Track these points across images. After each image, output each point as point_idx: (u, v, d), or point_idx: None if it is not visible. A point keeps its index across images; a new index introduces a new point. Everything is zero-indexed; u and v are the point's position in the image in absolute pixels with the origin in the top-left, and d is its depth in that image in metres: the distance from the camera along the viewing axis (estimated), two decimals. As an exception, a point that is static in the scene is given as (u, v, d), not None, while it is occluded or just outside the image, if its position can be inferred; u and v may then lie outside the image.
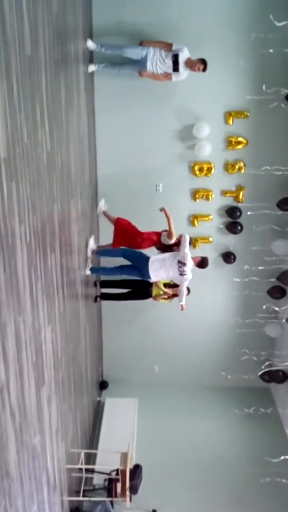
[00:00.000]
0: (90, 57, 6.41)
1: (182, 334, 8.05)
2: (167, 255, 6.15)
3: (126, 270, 6.44)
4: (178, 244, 6.15)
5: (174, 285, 6.63)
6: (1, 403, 2.84)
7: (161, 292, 6.66)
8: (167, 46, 6.01)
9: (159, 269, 6.07)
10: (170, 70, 6.04)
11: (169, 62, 5.98)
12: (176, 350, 8.14)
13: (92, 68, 6.27)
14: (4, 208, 2.84)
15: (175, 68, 5.98)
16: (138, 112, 6.94)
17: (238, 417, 7.39)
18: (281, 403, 7.73)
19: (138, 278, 6.47)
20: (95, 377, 7.60)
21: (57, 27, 4.28)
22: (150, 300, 6.99)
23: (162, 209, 6.13)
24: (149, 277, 6.15)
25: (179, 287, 6.11)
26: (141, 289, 6.88)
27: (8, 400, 2.98)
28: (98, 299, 7.16)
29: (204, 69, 5.97)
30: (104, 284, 7.18)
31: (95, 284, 6.96)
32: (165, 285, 6.68)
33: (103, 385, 8.16)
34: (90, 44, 6.11)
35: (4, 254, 2.84)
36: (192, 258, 6.02)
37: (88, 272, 6.24)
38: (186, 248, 5.95)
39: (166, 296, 6.69)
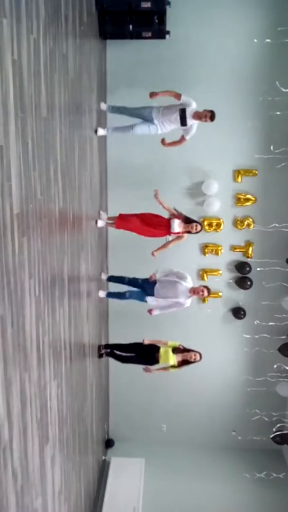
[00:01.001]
0: (104, 118, 6.67)
1: (191, 391, 7.85)
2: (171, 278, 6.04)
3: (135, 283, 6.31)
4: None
5: (184, 350, 6.02)
6: (3, 464, 2.75)
7: (171, 361, 5.99)
8: (176, 96, 5.77)
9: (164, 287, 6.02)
10: (178, 125, 5.79)
11: (176, 118, 5.73)
12: (185, 408, 7.91)
13: (101, 132, 6.03)
14: (15, 263, 2.87)
15: (183, 122, 5.72)
16: (148, 170, 7.13)
17: (249, 481, 7.06)
18: (294, 466, 7.40)
19: (145, 344, 6.23)
20: (101, 434, 7.37)
21: (73, 91, 4.49)
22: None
23: (156, 195, 5.97)
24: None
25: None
26: (146, 354, 6.26)
27: (10, 460, 2.88)
28: (104, 355, 6.86)
29: (212, 118, 5.68)
30: (109, 347, 6.87)
31: (99, 349, 6.61)
32: (174, 350, 6.03)
33: (109, 443, 7.91)
34: (103, 106, 6.23)
35: (13, 309, 2.85)
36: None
37: (102, 295, 6.48)
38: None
39: (175, 364, 6.01)
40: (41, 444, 3.60)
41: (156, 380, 7.81)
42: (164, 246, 6.09)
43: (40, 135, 3.34)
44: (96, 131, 5.93)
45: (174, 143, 5.98)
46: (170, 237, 6.13)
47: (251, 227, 7.23)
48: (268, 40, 6.64)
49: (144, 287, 6.12)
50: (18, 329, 2.95)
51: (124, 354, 6.53)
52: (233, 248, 7.38)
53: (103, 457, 7.56)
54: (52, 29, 3.68)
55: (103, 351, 6.71)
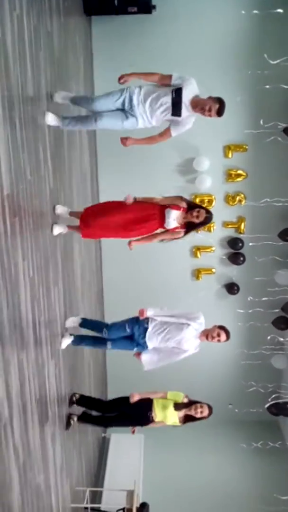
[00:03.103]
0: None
1: (187, 367, 7.93)
2: None
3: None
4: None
5: (188, 403, 4.60)
6: (4, 441, 2.81)
7: (170, 421, 4.58)
8: (163, 80, 3.90)
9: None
10: (168, 116, 3.91)
11: (167, 103, 3.85)
12: (181, 383, 8.00)
13: (51, 119, 3.89)
14: (8, 244, 2.88)
15: (176, 110, 3.86)
16: (139, 148, 7.08)
17: (246, 451, 7.23)
18: (290, 436, 7.58)
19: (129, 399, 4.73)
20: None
21: (59, 69, 4.44)
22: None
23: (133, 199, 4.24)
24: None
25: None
26: (136, 412, 4.68)
27: (11, 437, 2.94)
28: (74, 421, 4.82)
29: (220, 112, 3.88)
30: (83, 403, 5.02)
31: (70, 401, 4.82)
32: (177, 405, 4.57)
33: (108, 420, 8.02)
34: (60, 96, 4.14)
35: (8, 290, 2.87)
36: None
37: (64, 344, 4.44)
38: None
39: (177, 423, 4.60)
40: (41, 422, 3.67)
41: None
42: (149, 238, 4.27)
43: (27, 115, 3.31)
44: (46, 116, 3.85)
45: (146, 140, 4.18)
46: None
47: (243, 202, 7.25)
48: (256, 12, 6.55)
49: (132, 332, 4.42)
50: (13, 309, 2.98)
51: (103, 414, 4.97)
52: (225, 224, 7.40)
53: (103, 434, 7.69)
54: (36, 6, 3.62)
55: (74, 418, 4.79)
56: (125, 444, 7.34)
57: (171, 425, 4.58)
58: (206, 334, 4.35)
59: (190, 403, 4.55)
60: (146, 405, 4.61)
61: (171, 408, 4.50)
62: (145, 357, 4.45)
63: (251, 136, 6.96)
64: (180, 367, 7.90)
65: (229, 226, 7.39)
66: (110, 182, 7.13)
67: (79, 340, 4.62)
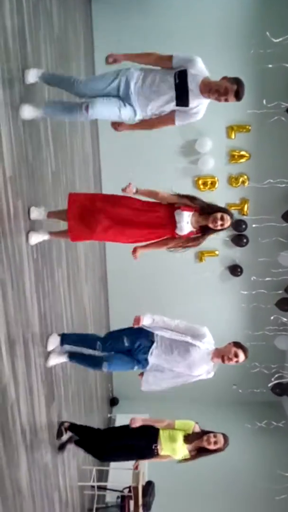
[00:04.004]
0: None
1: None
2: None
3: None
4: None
5: (202, 433, 3.89)
6: (11, 420, 2.85)
7: (178, 455, 3.87)
8: (162, 62, 3.15)
9: None
10: (171, 105, 3.14)
11: (170, 90, 3.08)
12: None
13: (27, 112, 3.11)
14: (11, 227, 2.89)
15: (181, 99, 3.10)
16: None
17: (250, 431, 7.31)
18: (293, 416, 7.66)
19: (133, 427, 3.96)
20: (105, 393, 7.57)
21: (60, 48, 4.39)
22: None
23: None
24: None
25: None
26: (137, 443, 3.95)
27: (18, 417, 2.99)
28: (67, 447, 4.21)
29: (238, 95, 3.08)
30: (75, 430, 4.24)
31: (58, 431, 4.04)
32: (187, 437, 3.85)
33: (113, 401, 8.13)
34: (32, 75, 3.23)
35: (12, 272, 2.88)
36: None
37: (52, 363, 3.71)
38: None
39: (187, 456, 3.90)
40: (48, 403, 3.72)
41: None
42: (157, 244, 3.52)
43: (28, 96, 3.29)
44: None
45: (142, 125, 3.38)
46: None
47: (246, 184, 7.22)
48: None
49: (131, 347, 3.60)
50: (18, 291, 3.00)
51: (99, 445, 4.13)
52: (229, 206, 7.36)
53: (109, 415, 7.79)
54: (34, -15, 3.57)
55: (64, 439, 4.15)
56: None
57: (179, 459, 3.89)
58: (222, 356, 3.51)
59: (202, 433, 3.85)
60: (151, 435, 3.89)
61: (180, 440, 3.80)
62: (147, 377, 3.64)
63: (254, 116, 6.90)
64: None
65: (232, 207, 7.36)
66: (112, 164, 7.10)
67: (73, 356, 3.80)
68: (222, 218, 3.29)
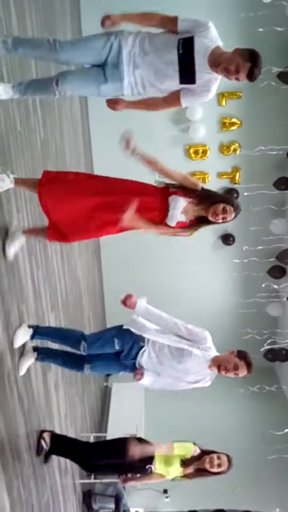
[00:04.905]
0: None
1: (185, 317, 8.11)
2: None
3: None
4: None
5: (202, 453, 3.51)
6: (9, 389, 2.89)
7: (172, 475, 3.53)
8: (166, 24, 2.60)
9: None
10: (175, 84, 2.63)
11: (172, 63, 2.54)
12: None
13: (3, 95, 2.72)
14: (1, 197, 2.86)
15: (186, 75, 2.58)
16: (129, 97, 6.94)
17: (244, 396, 7.47)
18: (285, 380, 7.82)
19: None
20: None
21: (45, 17, 4.27)
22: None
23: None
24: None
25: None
26: (129, 462, 3.58)
27: (15, 385, 3.03)
28: (47, 443, 3.58)
29: (252, 76, 2.57)
30: (59, 445, 3.68)
31: (38, 447, 3.45)
32: (185, 462, 3.48)
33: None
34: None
35: (4, 243, 2.88)
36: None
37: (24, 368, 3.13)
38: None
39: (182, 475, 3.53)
40: (44, 371, 3.77)
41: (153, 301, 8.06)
42: (141, 218, 2.75)
43: (14, 64, 3.22)
44: None
45: (145, 104, 2.86)
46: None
47: (238, 152, 7.17)
48: None
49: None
50: (11, 263, 3.00)
51: (87, 461, 3.73)
52: (220, 175, 7.35)
53: (105, 384, 7.92)
54: None
55: (43, 446, 3.52)
56: (127, 392, 7.56)
57: (174, 479, 3.57)
58: (219, 365, 3.07)
59: (203, 454, 3.48)
60: (146, 456, 3.54)
61: (177, 465, 3.46)
62: (147, 380, 3.18)
63: (245, 82, 6.77)
64: (179, 317, 8.07)
65: (224, 176, 7.34)
66: (101, 131, 6.98)
67: (46, 355, 3.35)
68: (224, 210, 2.81)
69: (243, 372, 3.05)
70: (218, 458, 3.38)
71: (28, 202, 3.44)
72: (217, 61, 2.52)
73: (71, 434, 4.84)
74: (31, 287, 3.44)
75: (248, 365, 3.05)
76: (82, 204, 2.68)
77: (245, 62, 2.49)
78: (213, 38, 2.56)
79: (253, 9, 6.40)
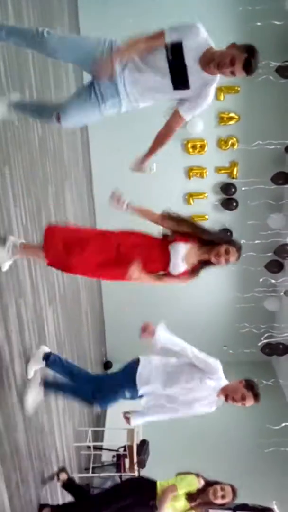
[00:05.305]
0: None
1: (183, 311, 8.13)
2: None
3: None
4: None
5: (207, 485, 3.49)
6: (6, 380, 2.91)
7: (179, 508, 3.46)
8: (154, 42, 2.45)
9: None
10: (169, 92, 2.59)
11: (163, 70, 2.46)
12: (177, 327, 8.19)
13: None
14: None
15: (178, 81, 2.50)
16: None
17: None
18: (282, 375, 7.85)
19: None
20: (99, 357, 7.70)
21: (42, 12, 4.25)
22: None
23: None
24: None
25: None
26: (134, 499, 3.62)
27: (13, 378, 3.04)
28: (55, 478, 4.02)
29: (249, 68, 2.42)
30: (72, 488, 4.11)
31: (54, 475, 3.94)
32: (191, 496, 3.43)
33: (107, 365, 8.27)
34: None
35: (1, 236, 2.88)
36: None
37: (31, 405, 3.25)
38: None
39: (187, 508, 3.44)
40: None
41: (149, 300, 8.07)
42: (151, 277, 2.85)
43: (11, 56, 3.21)
44: None
45: (156, 146, 3.00)
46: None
47: (235, 146, 7.16)
48: None
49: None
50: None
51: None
52: (218, 169, 7.34)
53: (103, 378, 7.94)
54: None
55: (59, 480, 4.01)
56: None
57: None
58: (226, 394, 3.11)
59: (207, 485, 3.44)
60: (147, 491, 3.54)
61: (182, 500, 3.42)
62: (137, 420, 3.35)
63: (243, 77, 6.77)
64: (177, 311, 8.09)
65: (222, 171, 7.33)
66: (100, 130, 6.97)
67: (53, 388, 3.45)
68: (227, 252, 2.81)
69: (250, 403, 3.08)
70: (222, 489, 3.37)
71: (25, 197, 3.44)
72: (210, 59, 2.41)
73: (68, 428, 4.86)
74: (28, 281, 3.45)
75: (256, 396, 3.07)
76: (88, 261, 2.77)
77: (241, 53, 2.37)
78: (203, 39, 2.44)
79: (251, 3, 6.38)
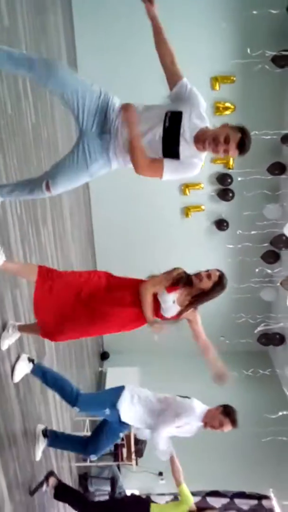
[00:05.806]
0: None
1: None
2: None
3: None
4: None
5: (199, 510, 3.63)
6: (4, 373, 2.91)
7: None
8: (170, 80, 2.71)
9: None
10: (158, 153, 2.46)
11: (157, 137, 2.42)
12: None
13: None
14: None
15: (169, 147, 2.44)
16: (125, 97, 6.87)
17: (238, 379, 7.53)
18: (279, 364, 7.89)
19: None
20: (96, 348, 7.72)
21: (35, 10, 4.21)
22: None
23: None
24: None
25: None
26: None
27: (10, 372, 3.04)
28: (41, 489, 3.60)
29: (242, 147, 2.47)
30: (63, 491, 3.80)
31: (42, 482, 3.59)
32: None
33: (104, 355, 8.30)
34: None
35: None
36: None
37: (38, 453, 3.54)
38: None
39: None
40: (39, 358, 3.78)
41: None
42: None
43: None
44: None
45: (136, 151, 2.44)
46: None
47: (231, 136, 7.14)
48: None
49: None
50: (3, 246, 2.99)
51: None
52: (214, 160, 7.31)
53: (100, 369, 7.97)
54: None
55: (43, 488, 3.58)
56: (121, 377, 7.60)
57: None
58: (205, 422, 3.39)
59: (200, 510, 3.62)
60: (141, 509, 3.67)
61: None
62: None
63: (239, 66, 6.75)
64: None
65: (218, 162, 7.31)
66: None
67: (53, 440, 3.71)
68: (208, 276, 2.96)
69: (228, 428, 3.33)
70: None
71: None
72: (204, 136, 2.41)
73: (65, 418, 4.88)
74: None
75: (233, 422, 3.34)
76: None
77: (235, 133, 2.42)
78: (200, 114, 2.48)
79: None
